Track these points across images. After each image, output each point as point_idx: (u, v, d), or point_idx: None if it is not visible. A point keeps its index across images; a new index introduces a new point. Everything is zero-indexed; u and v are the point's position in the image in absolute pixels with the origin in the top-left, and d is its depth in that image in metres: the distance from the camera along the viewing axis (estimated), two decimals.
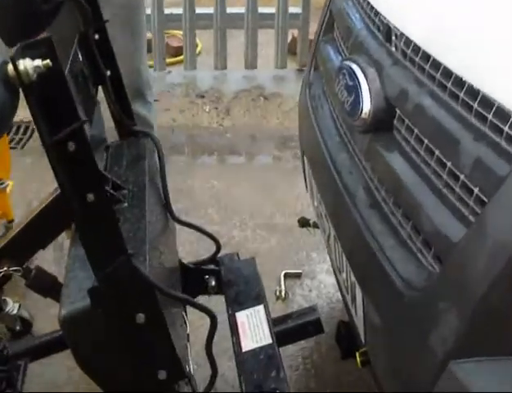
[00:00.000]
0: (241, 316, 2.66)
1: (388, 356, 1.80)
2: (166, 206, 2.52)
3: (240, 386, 2.53)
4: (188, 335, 2.68)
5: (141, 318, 1.84)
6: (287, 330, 2.77)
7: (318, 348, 3.55)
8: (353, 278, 2.05)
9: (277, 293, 3.85)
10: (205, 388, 2.45)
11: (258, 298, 2.73)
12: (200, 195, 4.80)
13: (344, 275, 2.20)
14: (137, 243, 2.01)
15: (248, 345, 2.64)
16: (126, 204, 2.21)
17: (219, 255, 2.92)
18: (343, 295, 2.43)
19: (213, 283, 2.91)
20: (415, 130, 1.70)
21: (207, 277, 2.92)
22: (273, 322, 2.59)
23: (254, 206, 4.63)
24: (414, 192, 1.64)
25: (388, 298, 1.72)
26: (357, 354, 2.21)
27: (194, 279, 2.86)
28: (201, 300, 2.78)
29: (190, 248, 4.02)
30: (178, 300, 2.26)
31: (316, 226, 2.99)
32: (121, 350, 1.85)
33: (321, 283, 3.98)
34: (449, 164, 1.54)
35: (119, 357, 1.88)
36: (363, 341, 2.06)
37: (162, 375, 1.96)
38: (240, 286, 2.81)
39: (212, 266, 2.97)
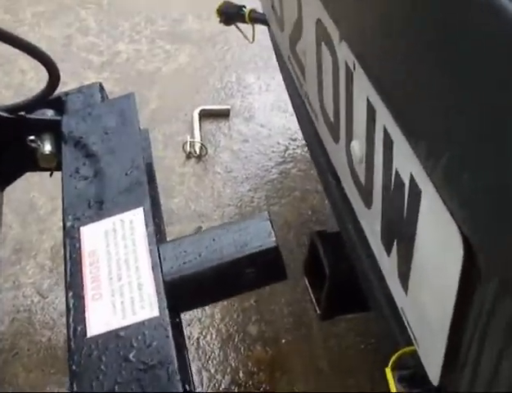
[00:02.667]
0: (91, 236, 1.35)
1: None
2: None
3: None
4: None
5: None
6: (200, 275, 1.25)
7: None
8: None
9: (188, 147, 2.56)
10: None
11: (135, 186, 1.42)
12: None
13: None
14: None
15: (101, 320, 1.20)
16: None
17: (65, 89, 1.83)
18: (325, 179, 1.46)
19: (48, 149, 1.71)
20: None
21: (32, 138, 1.71)
22: (168, 253, 1.30)
23: (153, 4, 3.35)
24: None
25: None
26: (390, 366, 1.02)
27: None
28: None
29: None
30: None
31: (259, 21, 1.84)
32: None
33: (264, 127, 2.65)
34: None
35: None
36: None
37: None
38: (99, 157, 1.53)
39: (47, 113, 1.78)
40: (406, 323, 1.00)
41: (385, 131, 0.92)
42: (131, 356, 1.11)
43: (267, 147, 2.53)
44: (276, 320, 1.96)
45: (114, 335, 1.14)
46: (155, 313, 1.15)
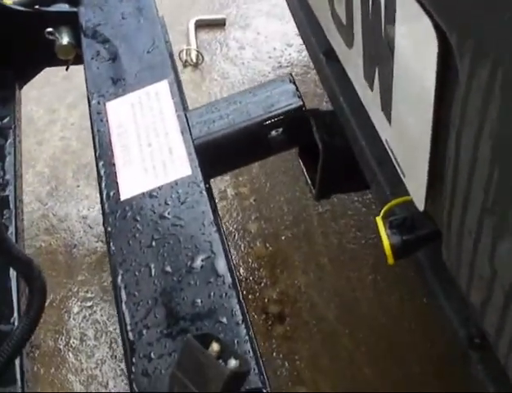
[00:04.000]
0: (117, 110, 1.34)
1: None
2: None
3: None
4: None
5: None
6: (229, 136, 1.29)
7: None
8: None
9: (184, 55, 2.53)
10: None
11: (157, 62, 1.44)
12: None
13: None
14: None
15: (133, 184, 1.21)
16: None
17: None
18: (316, 57, 1.33)
19: (66, 40, 1.73)
20: None
21: (49, 30, 1.71)
22: (196, 118, 1.32)
23: None
24: None
25: None
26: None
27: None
28: None
29: None
30: None
31: None
32: None
33: (260, 34, 2.64)
34: None
35: None
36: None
37: None
38: (120, 40, 1.54)
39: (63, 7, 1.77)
40: (391, 157, 1.01)
41: None
42: (166, 213, 1.14)
43: (264, 53, 2.52)
44: (276, 218, 1.98)
45: (147, 196, 1.17)
46: (188, 171, 1.18)
